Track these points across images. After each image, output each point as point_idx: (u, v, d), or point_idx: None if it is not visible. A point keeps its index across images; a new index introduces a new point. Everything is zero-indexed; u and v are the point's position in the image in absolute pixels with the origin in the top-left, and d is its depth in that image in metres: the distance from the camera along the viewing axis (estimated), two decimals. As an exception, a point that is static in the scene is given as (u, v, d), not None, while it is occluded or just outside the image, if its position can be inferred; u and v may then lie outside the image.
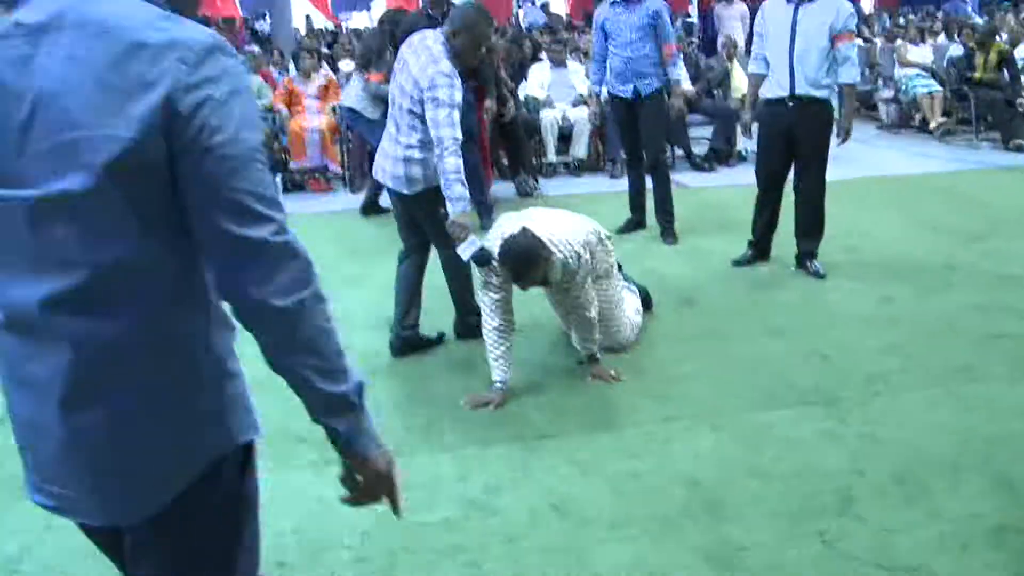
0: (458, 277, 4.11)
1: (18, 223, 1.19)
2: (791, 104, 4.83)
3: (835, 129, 4.99)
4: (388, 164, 3.84)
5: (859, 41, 11.05)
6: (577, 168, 8.24)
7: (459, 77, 3.61)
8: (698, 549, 2.62)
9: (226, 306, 1.34)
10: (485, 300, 3.65)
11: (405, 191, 3.81)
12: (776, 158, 5.04)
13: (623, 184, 6.30)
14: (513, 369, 3.65)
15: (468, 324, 4.17)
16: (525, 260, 3.42)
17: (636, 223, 6.06)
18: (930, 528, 2.67)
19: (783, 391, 3.62)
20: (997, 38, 9.47)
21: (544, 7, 17.91)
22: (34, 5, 1.20)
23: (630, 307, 4.13)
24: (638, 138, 5.83)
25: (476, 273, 3.78)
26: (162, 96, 1.15)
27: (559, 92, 8.23)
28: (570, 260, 3.54)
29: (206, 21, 11.65)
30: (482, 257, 3.54)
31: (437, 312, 4.26)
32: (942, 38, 11.38)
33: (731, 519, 2.76)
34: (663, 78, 5.61)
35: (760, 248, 5.28)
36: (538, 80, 8.30)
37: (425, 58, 3.62)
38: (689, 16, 15.37)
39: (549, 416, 3.45)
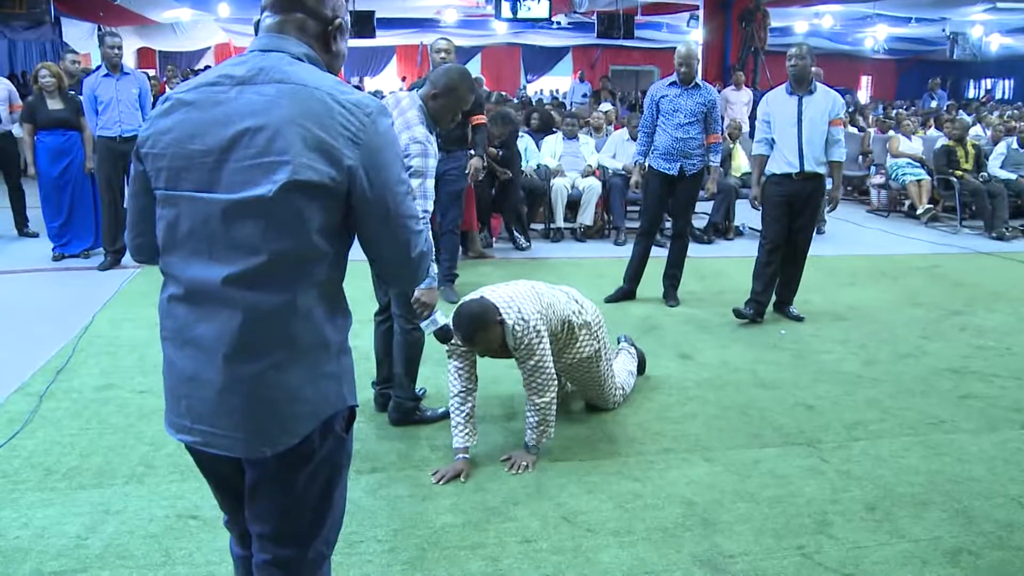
0: (408, 358, 3.95)
1: (212, 218, 1.62)
2: (796, 178, 5.55)
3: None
4: None
5: (853, 129, 11.69)
6: (583, 234, 8.71)
7: (432, 142, 3.47)
8: (692, 555, 2.98)
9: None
10: (450, 367, 3.64)
11: None
12: (782, 223, 5.69)
13: (626, 251, 6.70)
14: (478, 436, 3.68)
15: (403, 409, 4.01)
16: (472, 323, 3.45)
17: (627, 292, 6.33)
18: (895, 547, 3.04)
19: (770, 433, 4.00)
20: (982, 132, 10.10)
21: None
22: (236, 63, 1.69)
23: (622, 372, 4.25)
24: (663, 212, 6.31)
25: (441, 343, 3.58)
26: (354, 144, 1.61)
27: (570, 162, 8.74)
28: (516, 327, 3.47)
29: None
30: (444, 334, 3.43)
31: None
32: (932, 130, 12.02)
33: (721, 533, 3.12)
34: (704, 159, 6.01)
35: (759, 304, 5.76)
36: (550, 150, 8.83)
37: (400, 124, 3.45)
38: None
39: (560, 443, 3.80)
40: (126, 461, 3.58)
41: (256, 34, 1.79)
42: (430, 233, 3.42)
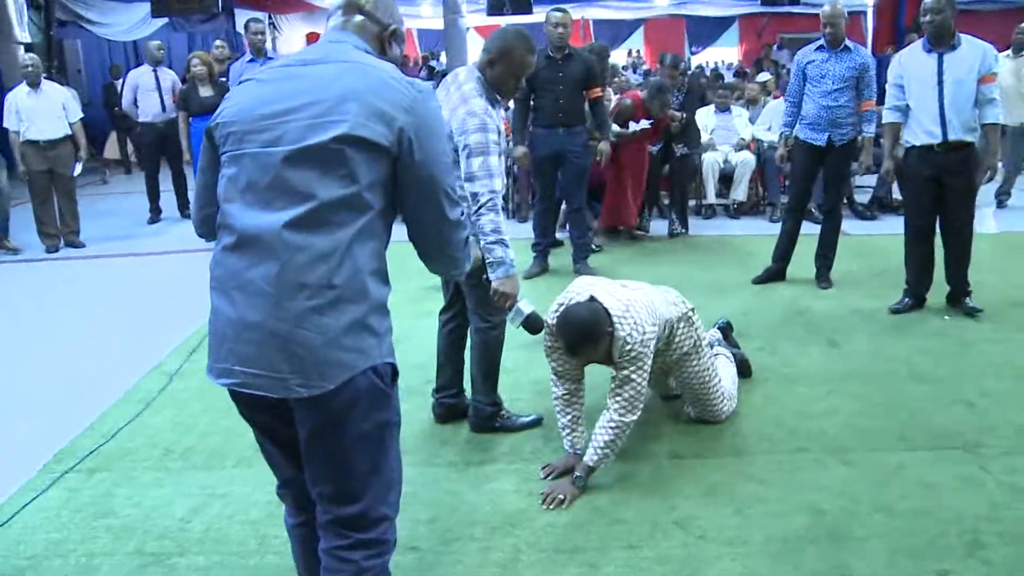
0: (484, 359, 3.60)
1: (271, 167, 1.79)
2: (939, 150, 4.88)
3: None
4: None
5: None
6: (736, 211, 8.27)
7: (492, 115, 3.18)
8: (813, 573, 2.66)
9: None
10: (550, 366, 3.35)
11: None
12: (928, 204, 5.05)
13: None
14: (586, 433, 3.35)
15: (481, 415, 3.66)
16: (581, 333, 3.07)
17: (776, 272, 5.91)
18: (1064, 578, 2.61)
19: (920, 434, 3.57)
20: None
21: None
22: (307, 51, 2.05)
23: (726, 378, 3.80)
24: (812, 186, 5.84)
25: (542, 338, 3.34)
26: (407, 111, 1.80)
27: (722, 136, 8.31)
28: (629, 338, 3.08)
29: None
30: (533, 324, 3.17)
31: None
32: None
33: (851, 550, 2.78)
34: (857, 128, 5.51)
35: (916, 295, 5.19)
36: (702, 123, 8.40)
37: (456, 99, 3.20)
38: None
39: (684, 438, 3.54)
40: (238, 444, 3.61)
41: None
42: (500, 216, 3.14)
